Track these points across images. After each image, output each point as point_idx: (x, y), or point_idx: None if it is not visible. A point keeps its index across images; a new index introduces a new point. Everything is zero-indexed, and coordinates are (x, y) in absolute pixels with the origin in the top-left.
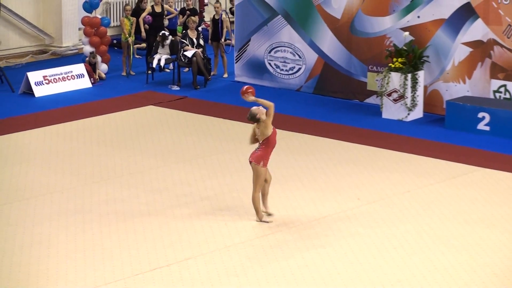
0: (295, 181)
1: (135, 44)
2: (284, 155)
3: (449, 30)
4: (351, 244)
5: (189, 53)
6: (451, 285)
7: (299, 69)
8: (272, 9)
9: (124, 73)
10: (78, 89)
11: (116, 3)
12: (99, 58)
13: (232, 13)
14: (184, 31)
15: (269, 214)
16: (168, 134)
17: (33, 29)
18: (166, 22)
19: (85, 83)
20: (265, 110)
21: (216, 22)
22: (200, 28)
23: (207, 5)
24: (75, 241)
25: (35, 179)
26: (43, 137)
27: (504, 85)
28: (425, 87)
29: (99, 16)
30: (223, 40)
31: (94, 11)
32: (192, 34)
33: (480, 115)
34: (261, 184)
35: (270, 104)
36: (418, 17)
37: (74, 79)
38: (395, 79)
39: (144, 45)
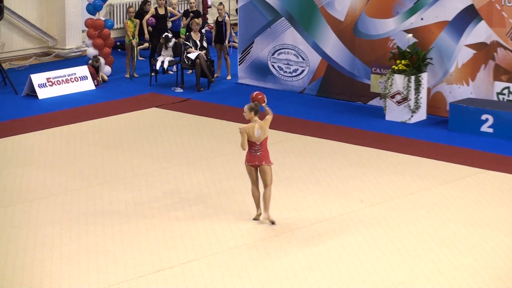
0: (298, 183)
1: (138, 45)
2: (287, 157)
3: (453, 32)
4: (354, 247)
5: (192, 55)
6: None
7: (303, 71)
8: (275, 11)
9: (127, 75)
10: (82, 91)
11: (120, 5)
12: (102, 61)
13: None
14: (187, 33)
15: (272, 223)
16: (171, 136)
17: (37, 31)
18: (169, 24)
19: (89, 85)
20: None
21: (220, 24)
22: (203, 30)
23: (210, 7)
24: (79, 243)
25: (38, 181)
26: (46, 139)
27: (508, 87)
28: (429, 89)
29: (103, 18)
30: (227, 42)
31: (97, 13)
32: (196, 36)
33: (484, 117)
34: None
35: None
36: (422, 19)
37: (77, 81)
38: (399, 81)
39: (146, 44)
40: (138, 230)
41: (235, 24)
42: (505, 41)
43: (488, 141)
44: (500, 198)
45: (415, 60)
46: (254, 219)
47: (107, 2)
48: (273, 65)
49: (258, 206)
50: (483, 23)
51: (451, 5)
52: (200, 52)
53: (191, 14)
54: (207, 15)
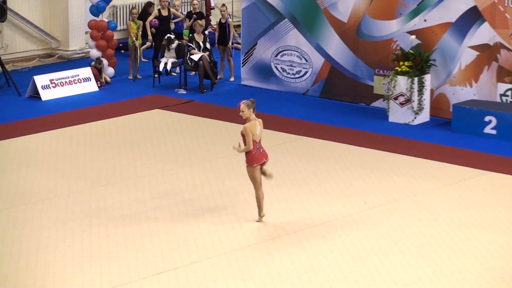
0: (301, 185)
1: (142, 45)
2: (290, 158)
3: (456, 33)
4: (357, 248)
5: (195, 57)
6: None
7: (306, 72)
8: (278, 12)
9: (130, 77)
10: (85, 92)
11: (123, 7)
12: (105, 62)
13: None
14: (190, 35)
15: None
16: (174, 137)
17: (40, 33)
18: (172, 26)
19: (92, 86)
20: None
21: (223, 26)
22: (206, 32)
23: (213, 8)
24: (82, 244)
25: (41, 183)
26: (49, 141)
27: (511, 89)
28: (432, 91)
29: (106, 20)
30: (230, 43)
31: (100, 14)
32: (199, 38)
33: (487, 118)
34: None
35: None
36: (425, 20)
37: (80, 82)
38: (402, 83)
39: (149, 43)
40: (141, 232)
41: (238, 26)
42: (508, 42)
43: (491, 142)
44: (503, 199)
45: (418, 62)
46: (258, 221)
47: (110, 4)
48: (276, 67)
49: (262, 208)
50: (486, 25)
51: (454, 6)
52: (203, 53)
53: (194, 15)
54: (210, 17)
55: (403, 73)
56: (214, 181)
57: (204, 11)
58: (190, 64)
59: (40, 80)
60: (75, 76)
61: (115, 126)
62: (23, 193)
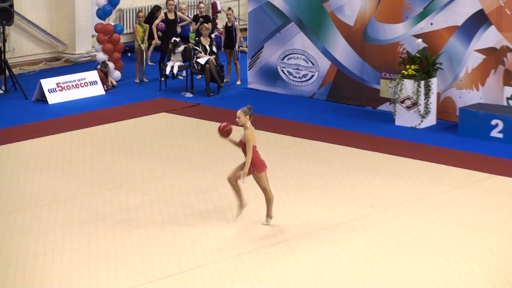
0: (308, 188)
1: (149, 45)
2: (297, 162)
3: (462, 37)
4: (364, 252)
5: (202, 60)
6: None
7: (312, 76)
8: (285, 16)
9: (137, 80)
10: (92, 96)
11: (129, 10)
12: (111, 66)
13: None
14: (197, 38)
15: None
16: (181, 141)
17: (47, 36)
18: (179, 29)
19: (99, 90)
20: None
21: (229, 29)
22: (213, 35)
23: (220, 12)
24: (89, 248)
25: (48, 186)
26: (56, 144)
27: None
28: (438, 94)
29: (112, 23)
30: (237, 47)
31: (107, 18)
32: (205, 41)
33: (493, 122)
34: None
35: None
36: (431, 24)
37: (87, 86)
38: (408, 86)
39: (156, 42)
40: (148, 235)
41: (245, 29)
42: None
43: (498, 146)
44: (510, 203)
45: (424, 65)
46: (266, 224)
47: (117, 7)
48: (282, 70)
49: (272, 209)
50: (492, 28)
51: (461, 10)
52: (209, 57)
53: (201, 19)
54: (217, 20)
55: (409, 77)
56: (221, 185)
57: (210, 15)
58: (196, 67)
59: (47, 83)
60: (81, 79)
61: (121, 130)
62: (30, 197)
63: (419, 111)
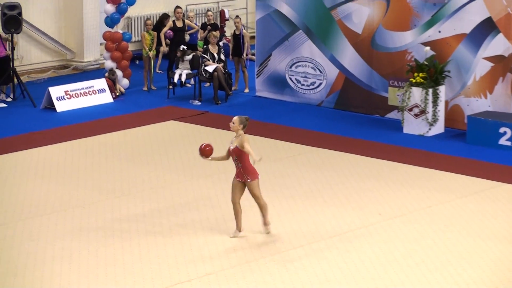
0: (316, 196)
1: (157, 53)
2: (305, 170)
3: (470, 44)
4: (372, 260)
5: (210, 68)
6: None
7: (320, 84)
8: (293, 24)
9: (145, 88)
10: (100, 104)
11: (137, 18)
12: (119, 73)
13: None
14: (205, 46)
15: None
16: (189, 149)
17: (55, 44)
18: (187, 37)
19: (107, 98)
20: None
21: (237, 37)
22: (221, 43)
23: (228, 20)
24: (97, 256)
25: (56, 194)
26: (64, 152)
27: None
28: (446, 102)
29: (121, 31)
30: (244, 55)
31: (115, 26)
32: (213, 49)
33: (502, 130)
34: None
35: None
36: (439, 31)
37: (95, 94)
38: (416, 94)
39: (164, 49)
40: (156, 243)
41: (253, 37)
42: None
43: (506, 154)
44: None
45: (432, 73)
46: (268, 232)
47: (125, 15)
48: (290, 78)
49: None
50: (500, 36)
51: (469, 18)
52: (218, 65)
53: (209, 27)
54: (225, 28)
55: (417, 85)
56: (229, 192)
57: (218, 23)
58: (204, 75)
59: (55, 91)
60: (90, 87)
61: (129, 138)
62: (38, 205)
63: (427, 119)
